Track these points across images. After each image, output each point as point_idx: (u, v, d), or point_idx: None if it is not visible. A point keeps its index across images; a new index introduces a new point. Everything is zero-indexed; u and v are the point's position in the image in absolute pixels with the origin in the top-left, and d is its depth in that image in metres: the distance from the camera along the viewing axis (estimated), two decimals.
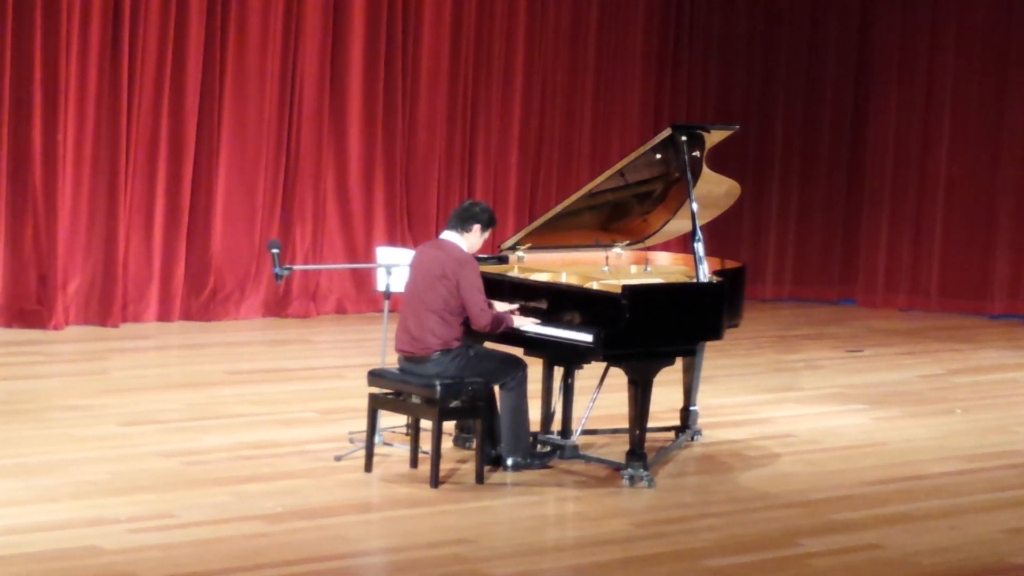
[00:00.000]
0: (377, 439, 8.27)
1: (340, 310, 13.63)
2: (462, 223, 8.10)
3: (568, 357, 8.39)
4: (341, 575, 6.53)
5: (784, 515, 7.70)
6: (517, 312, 8.24)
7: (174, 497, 7.45)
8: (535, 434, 8.49)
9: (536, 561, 6.82)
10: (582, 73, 14.87)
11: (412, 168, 13.96)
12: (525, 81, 14.51)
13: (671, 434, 9.12)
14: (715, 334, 8.29)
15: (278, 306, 13.28)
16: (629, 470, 8.08)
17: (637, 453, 8.08)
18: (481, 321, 7.96)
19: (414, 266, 8.15)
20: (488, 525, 7.31)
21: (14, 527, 6.83)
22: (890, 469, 8.74)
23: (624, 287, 8.00)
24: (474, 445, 8.15)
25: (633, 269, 9.25)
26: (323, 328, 12.97)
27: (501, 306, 8.26)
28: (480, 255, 8.50)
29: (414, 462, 8.19)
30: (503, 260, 8.96)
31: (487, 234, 8.20)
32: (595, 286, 8.30)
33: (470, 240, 8.10)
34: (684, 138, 8.58)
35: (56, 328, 12.00)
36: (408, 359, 8.05)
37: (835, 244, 15.94)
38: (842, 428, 9.80)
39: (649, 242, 9.43)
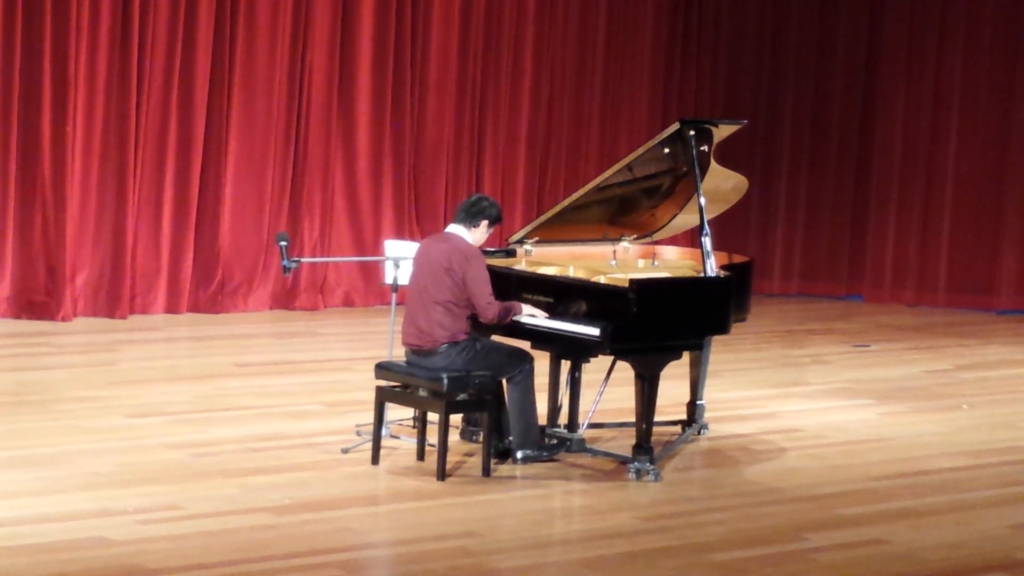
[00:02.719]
0: (384, 432, 8.28)
1: (348, 303, 13.64)
2: (470, 217, 8.11)
3: (575, 351, 8.40)
4: (348, 567, 6.54)
5: (790, 509, 7.70)
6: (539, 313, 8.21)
7: (182, 489, 7.46)
8: (543, 427, 8.50)
9: (542, 554, 6.83)
10: (590, 68, 14.88)
11: (420, 162, 13.97)
12: (533, 76, 14.52)
13: (678, 428, 9.13)
14: (722, 328, 8.30)
15: (286, 299, 13.30)
16: (636, 464, 8.09)
17: (644, 447, 8.08)
18: (488, 313, 7.97)
19: (419, 259, 8.16)
20: (495, 518, 7.32)
21: (23, 518, 6.85)
22: (896, 464, 8.74)
23: (631, 281, 8.01)
24: (481, 438, 8.16)
25: (640, 263, 9.26)
26: (331, 321, 12.99)
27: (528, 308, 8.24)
28: (487, 248, 8.52)
29: (421, 455, 8.20)
30: (511, 253, 8.97)
31: (492, 230, 8.21)
32: (602, 280, 8.31)
33: (476, 235, 8.11)
34: (692, 133, 8.58)
35: (65, 320, 12.02)
36: (415, 352, 8.06)
37: (842, 239, 15.94)
38: (849, 423, 9.80)
39: (657, 236, 9.43)
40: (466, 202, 8.21)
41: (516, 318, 8.12)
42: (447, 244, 8.05)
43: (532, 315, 8.14)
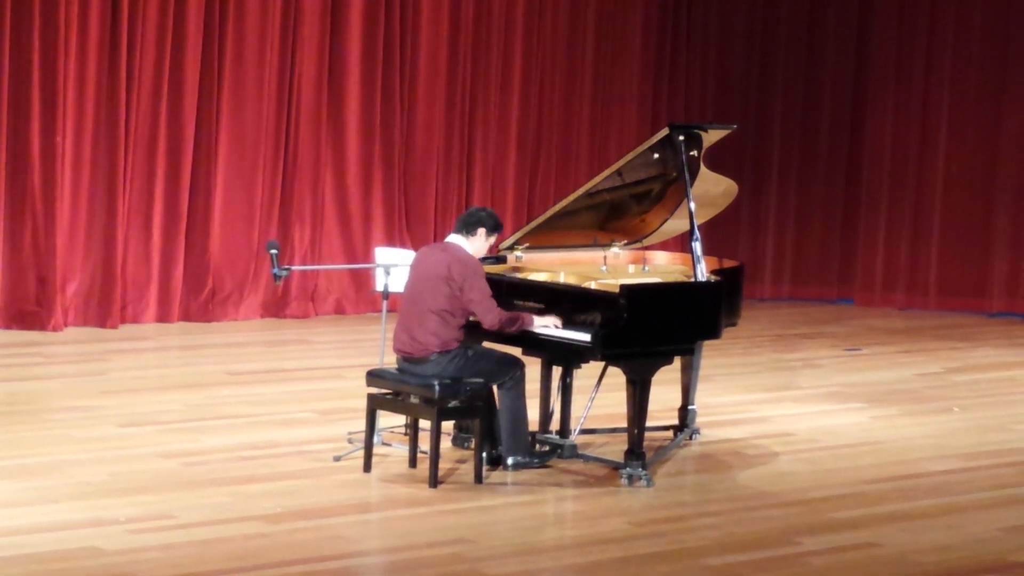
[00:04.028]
0: (376, 439, 8.28)
1: (339, 310, 13.64)
2: (467, 227, 8.12)
3: (566, 357, 8.40)
4: (340, 575, 6.54)
5: (782, 514, 7.71)
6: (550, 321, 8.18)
7: (173, 498, 7.46)
8: (534, 433, 8.51)
9: (535, 561, 6.83)
10: (580, 73, 14.88)
11: (410, 169, 13.97)
12: (523, 81, 14.52)
13: (669, 433, 9.13)
14: (713, 333, 8.30)
15: (277, 307, 13.29)
16: (628, 469, 8.09)
17: (636, 452, 8.09)
18: (490, 318, 7.96)
19: (415, 268, 8.16)
20: (487, 525, 7.32)
21: (14, 528, 6.85)
22: (888, 467, 8.75)
23: (622, 286, 8.01)
24: (473, 445, 8.16)
25: (631, 268, 9.26)
26: (322, 328, 12.98)
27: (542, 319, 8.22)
28: None
29: (413, 462, 8.20)
30: (501, 260, 8.97)
31: (492, 239, 8.21)
32: (593, 286, 8.31)
33: (475, 244, 8.12)
34: (682, 137, 8.59)
35: (55, 329, 12.00)
36: (406, 360, 8.06)
37: (833, 243, 15.94)
38: (840, 427, 9.81)
39: (647, 241, 9.43)
40: (463, 214, 8.27)
41: (529, 329, 8.09)
42: (446, 253, 8.05)
43: (545, 326, 8.11)
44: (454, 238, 8.15)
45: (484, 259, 8.80)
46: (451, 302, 7.95)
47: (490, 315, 7.97)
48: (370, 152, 13.67)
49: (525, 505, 7.71)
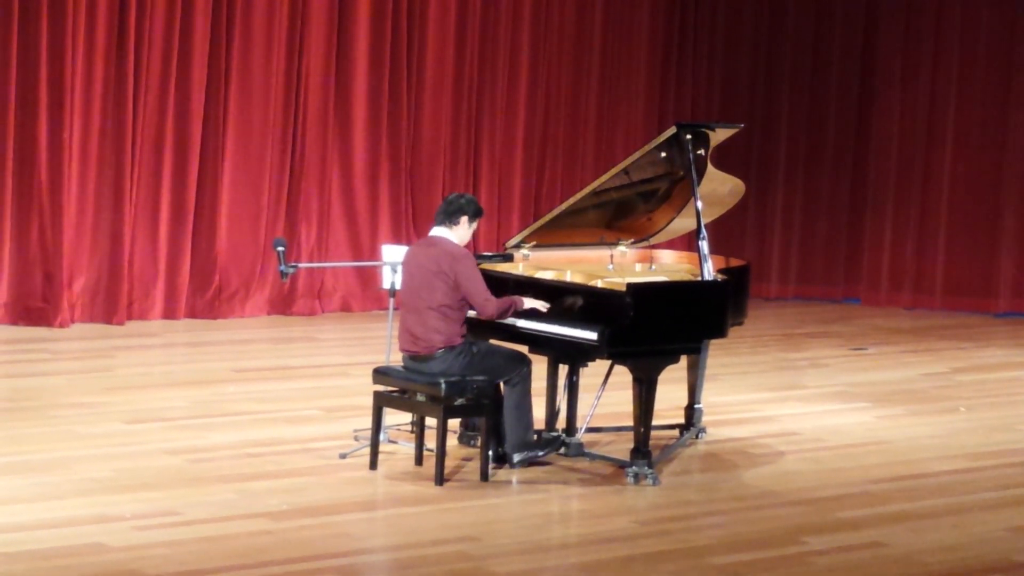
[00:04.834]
0: (382, 437, 8.28)
1: (345, 308, 13.64)
2: (449, 217, 8.10)
3: (573, 355, 8.40)
4: (346, 573, 6.54)
5: (788, 513, 7.71)
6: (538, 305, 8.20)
7: (179, 494, 7.46)
8: (539, 431, 8.50)
9: (540, 559, 6.83)
10: (586, 71, 14.89)
11: (417, 166, 13.98)
12: (530, 79, 14.53)
13: (675, 432, 9.13)
14: (720, 332, 8.30)
15: (283, 304, 13.30)
16: (634, 468, 8.09)
17: (642, 451, 8.08)
18: (487, 310, 7.96)
19: (407, 266, 8.14)
20: (493, 523, 7.32)
21: (20, 524, 6.85)
22: (894, 467, 8.75)
23: (628, 285, 8.01)
24: (479, 443, 8.16)
25: (638, 267, 9.27)
26: (328, 326, 12.99)
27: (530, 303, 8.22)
28: (485, 253, 8.51)
29: (419, 460, 8.20)
30: (508, 258, 8.97)
31: (475, 225, 8.17)
32: (600, 284, 8.31)
33: (459, 233, 8.09)
34: (689, 136, 8.58)
35: (62, 326, 12.02)
36: (413, 358, 8.06)
37: (839, 242, 15.95)
38: (846, 426, 9.81)
39: (654, 240, 9.44)
40: (442, 204, 8.20)
41: (514, 320, 8.10)
42: (434, 248, 8.04)
43: (534, 307, 8.11)
44: (438, 231, 8.11)
45: (491, 256, 8.84)
46: (448, 296, 7.95)
47: (487, 307, 7.97)
48: (377, 150, 13.68)
49: (531, 503, 7.71)
